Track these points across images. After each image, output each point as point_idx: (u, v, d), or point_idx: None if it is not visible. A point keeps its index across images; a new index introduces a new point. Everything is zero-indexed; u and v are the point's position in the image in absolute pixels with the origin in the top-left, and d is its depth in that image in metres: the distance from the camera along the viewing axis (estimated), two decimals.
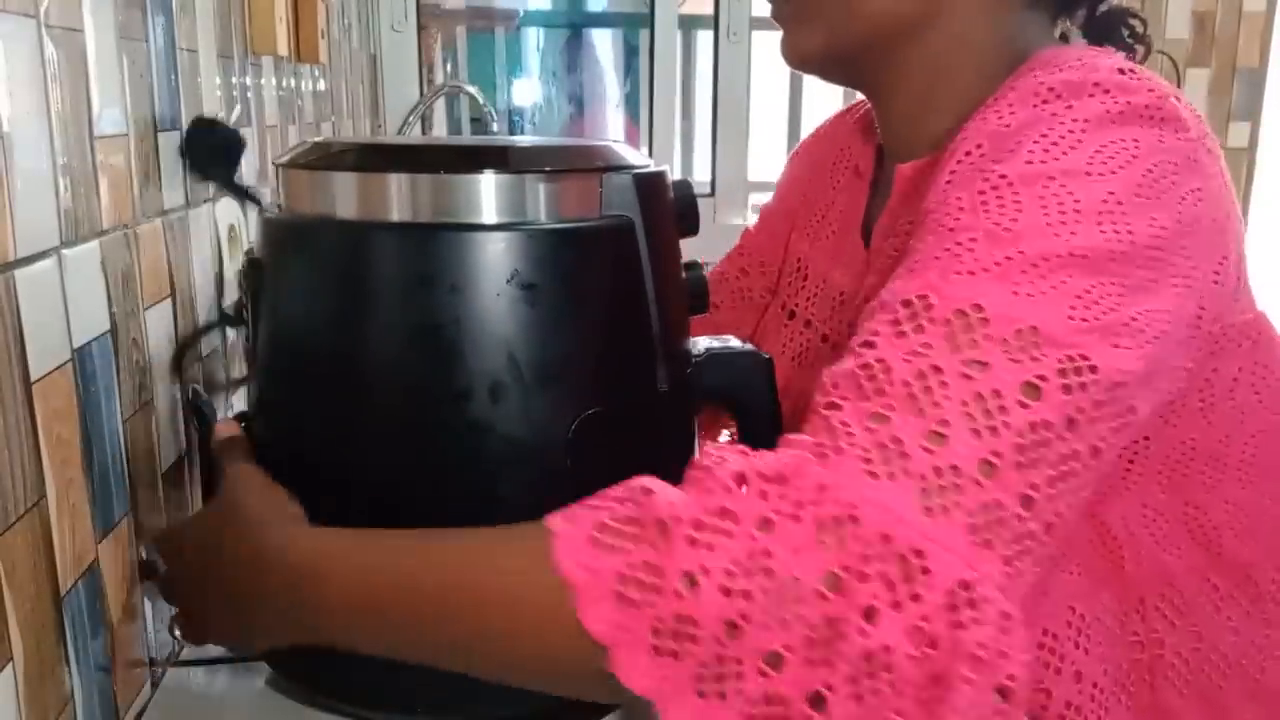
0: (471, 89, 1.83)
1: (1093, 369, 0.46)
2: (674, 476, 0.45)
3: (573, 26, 2.88)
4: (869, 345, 0.48)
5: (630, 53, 2.84)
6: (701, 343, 0.62)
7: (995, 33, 0.63)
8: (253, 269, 0.58)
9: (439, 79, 2.19)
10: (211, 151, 0.71)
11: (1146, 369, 0.49)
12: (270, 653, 0.60)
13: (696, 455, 0.46)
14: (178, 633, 0.59)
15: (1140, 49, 0.68)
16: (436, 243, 0.51)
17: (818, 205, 0.80)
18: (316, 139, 0.60)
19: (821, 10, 0.63)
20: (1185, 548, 0.61)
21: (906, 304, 0.48)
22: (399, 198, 0.52)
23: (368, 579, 0.49)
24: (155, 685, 0.65)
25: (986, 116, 0.56)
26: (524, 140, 0.56)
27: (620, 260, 0.55)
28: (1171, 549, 0.61)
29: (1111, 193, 0.50)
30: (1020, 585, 0.44)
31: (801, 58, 0.66)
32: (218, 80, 0.82)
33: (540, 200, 0.52)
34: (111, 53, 0.61)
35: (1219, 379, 0.60)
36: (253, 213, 0.89)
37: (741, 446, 0.46)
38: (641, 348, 0.56)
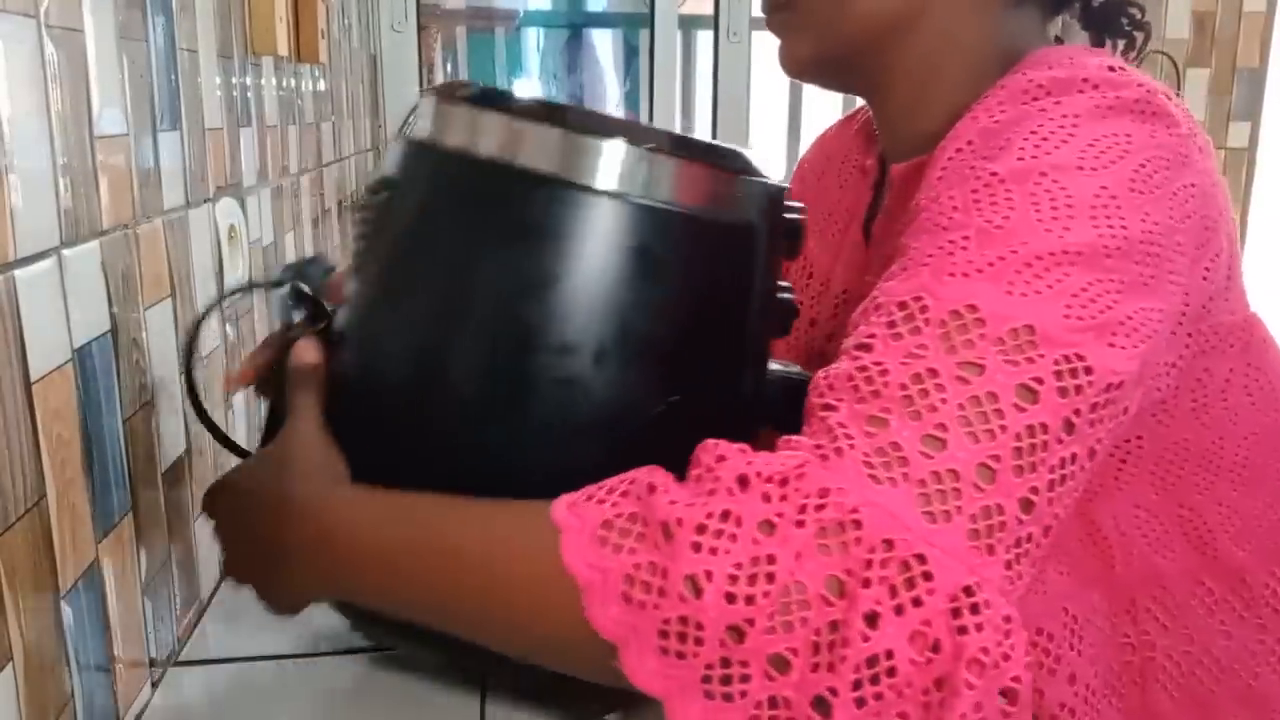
0: None
1: (1088, 370, 0.46)
2: None
3: (572, 26, 2.88)
4: (865, 348, 0.48)
5: (630, 53, 2.84)
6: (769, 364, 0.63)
7: (983, 31, 0.63)
8: (384, 187, 0.57)
9: (439, 79, 2.19)
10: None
11: (1140, 369, 0.48)
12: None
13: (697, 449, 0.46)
14: (221, 569, 0.59)
15: (1140, 35, 0.68)
16: (581, 202, 0.52)
17: (824, 205, 0.80)
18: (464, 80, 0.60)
19: (811, 17, 0.64)
20: (1179, 550, 0.61)
21: (901, 305, 0.48)
22: (557, 153, 0.53)
23: (384, 534, 0.50)
24: (155, 685, 0.65)
25: (977, 115, 0.55)
26: (677, 130, 0.56)
27: (740, 261, 0.56)
28: (1164, 551, 0.61)
29: (1104, 187, 0.50)
30: (1019, 587, 0.44)
31: (797, 65, 0.67)
32: (218, 80, 0.82)
33: (684, 185, 0.53)
34: (111, 53, 0.61)
35: (1211, 379, 0.60)
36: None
37: (741, 445, 0.46)
38: (735, 351, 0.58)
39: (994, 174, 0.51)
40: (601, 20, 3.03)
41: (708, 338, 0.56)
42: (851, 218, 0.76)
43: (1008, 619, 0.41)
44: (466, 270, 0.54)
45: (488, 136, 0.54)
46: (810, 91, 2.54)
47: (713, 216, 0.54)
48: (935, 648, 0.40)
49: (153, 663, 0.65)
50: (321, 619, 0.72)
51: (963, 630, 0.40)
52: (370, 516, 0.52)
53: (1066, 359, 0.46)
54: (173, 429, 0.70)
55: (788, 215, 0.59)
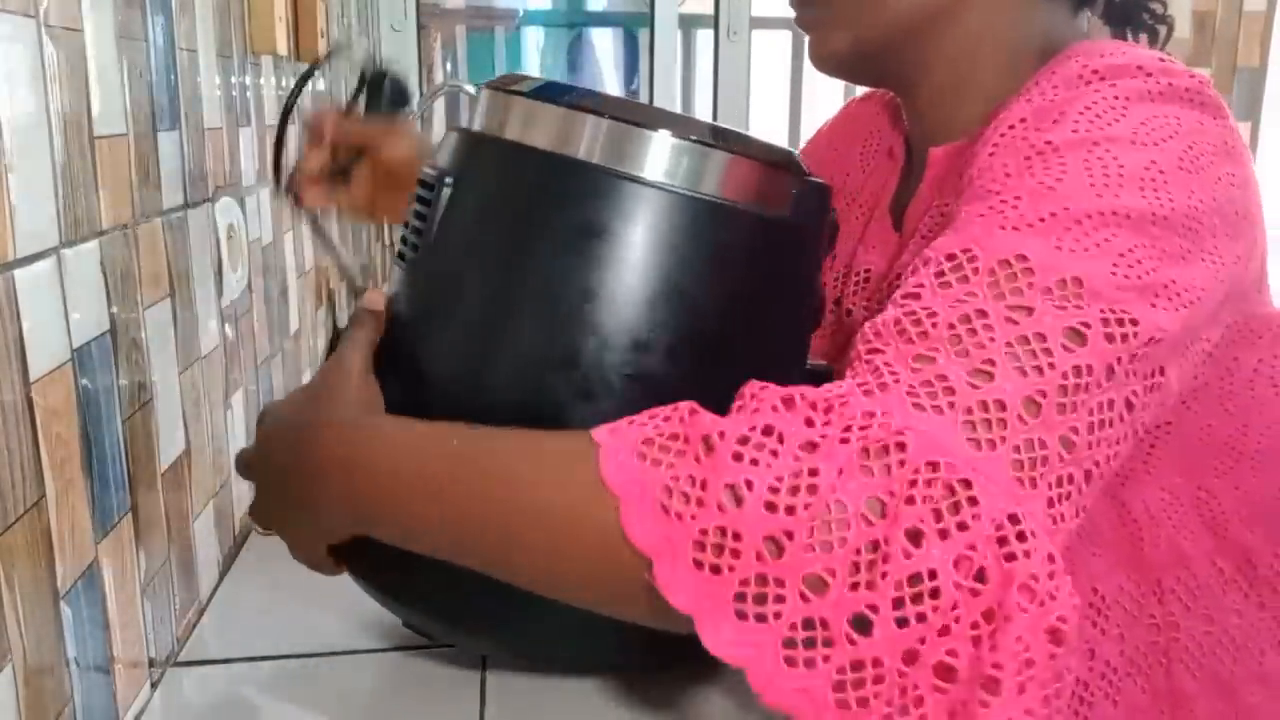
0: (471, 88, 1.83)
1: (1134, 322, 0.47)
2: None
3: (572, 26, 2.88)
4: (913, 296, 0.49)
5: (631, 52, 2.83)
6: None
7: (1018, 24, 0.64)
8: (444, 179, 0.57)
9: (439, 78, 2.19)
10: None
11: (1181, 332, 0.50)
12: (353, 560, 0.59)
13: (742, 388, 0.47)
14: (250, 517, 0.59)
15: (1162, 29, 0.69)
16: (648, 198, 0.52)
17: (847, 187, 0.80)
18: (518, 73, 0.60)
19: (844, 13, 0.65)
20: (1197, 532, 0.63)
21: (950, 257, 0.49)
22: (626, 149, 0.53)
23: (419, 456, 0.50)
24: (154, 685, 0.65)
25: (1030, 96, 0.56)
26: (739, 130, 0.58)
27: (798, 259, 0.58)
28: (1186, 533, 0.63)
29: (1154, 161, 0.51)
30: (1062, 531, 0.44)
31: (829, 61, 0.67)
32: (217, 80, 0.82)
33: (750, 186, 0.55)
34: (111, 52, 0.61)
35: (1240, 368, 0.62)
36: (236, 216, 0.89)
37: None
38: (792, 347, 0.59)
39: (1048, 142, 0.52)
40: (602, 19, 3.03)
41: (766, 332, 0.57)
42: (877, 201, 0.76)
43: (1052, 558, 0.40)
44: (534, 265, 0.54)
45: (549, 130, 0.54)
46: (810, 90, 2.54)
47: (781, 216, 0.56)
48: (981, 577, 0.39)
49: (152, 663, 0.65)
50: (321, 619, 0.72)
51: (1010, 557, 0.39)
52: (398, 437, 0.51)
53: (1112, 310, 0.47)
54: (172, 429, 0.70)
55: (831, 215, 0.60)
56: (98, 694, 0.57)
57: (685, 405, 0.45)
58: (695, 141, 0.53)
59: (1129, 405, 0.48)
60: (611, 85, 2.87)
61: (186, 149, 0.73)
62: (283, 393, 1.03)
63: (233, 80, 0.87)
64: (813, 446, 0.42)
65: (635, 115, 0.53)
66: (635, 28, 2.72)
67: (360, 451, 0.51)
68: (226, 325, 0.83)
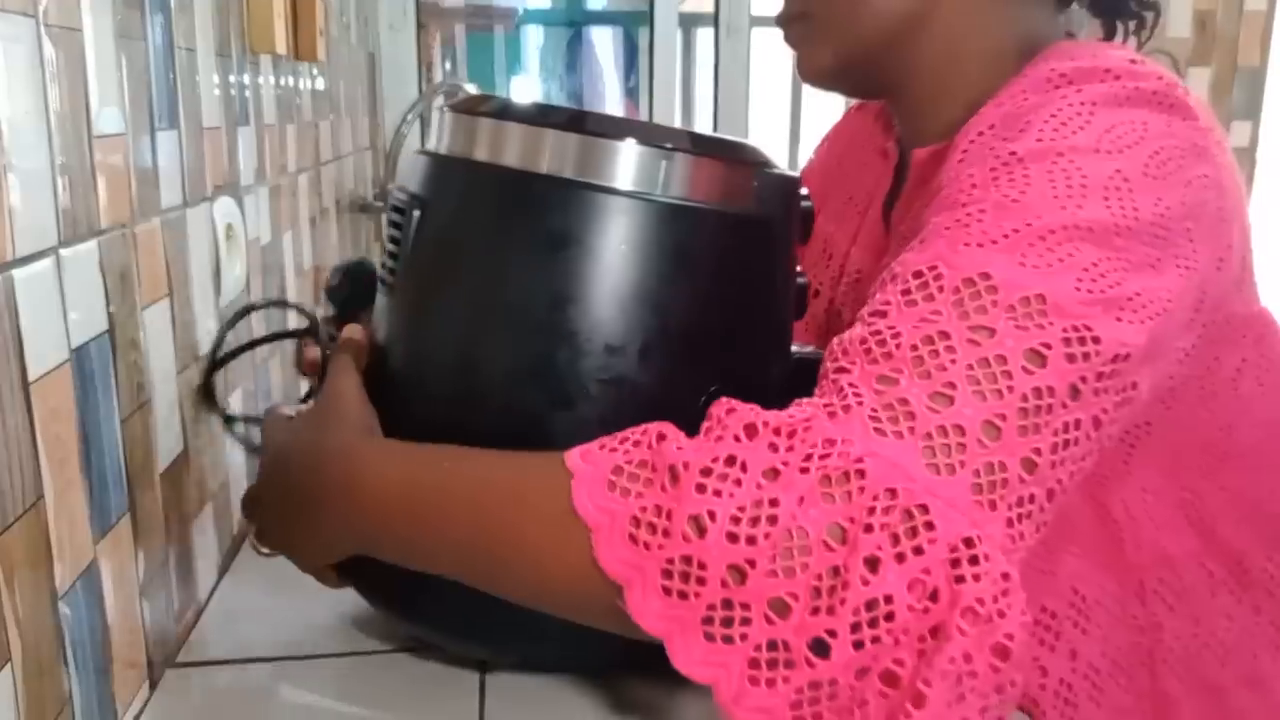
0: (470, 87, 1.83)
1: (1096, 340, 0.47)
2: None
3: (572, 24, 2.87)
4: (879, 314, 0.49)
5: (630, 51, 2.83)
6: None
7: (996, 24, 0.65)
8: (414, 203, 0.58)
9: (438, 77, 2.19)
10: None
11: (1148, 345, 0.49)
12: (356, 577, 0.61)
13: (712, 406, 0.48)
14: (254, 537, 0.61)
15: (1149, 15, 0.70)
16: (612, 206, 0.53)
17: (845, 187, 0.81)
18: (480, 92, 0.61)
19: (825, 29, 0.66)
20: (1182, 533, 0.63)
21: (917, 274, 0.50)
22: (589, 160, 0.54)
23: (408, 478, 0.52)
24: (153, 686, 0.65)
25: (1001, 101, 0.57)
26: (696, 130, 0.58)
27: (767, 251, 0.58)
28: (1170, 534, 0.62)
29: (1119, 170, 0.51)
30: (1020, 548, 0.45)
31: (819, 74, 0.69)
32: (215, 79, 0.82)
33: (710, 184, 0.55)
34: (110, 52, 0.60)
35: (1221, 368, 0.61)
36: (237, 215, 0.88)
37: (752, 405, 0.47)
38: (765, 338, 0.60)
39: (1012, 153, 0.52)
40: (601, 18, 3.03)
41: (740, 327, 0.58)
42: (871, 200, 0.77)
43: (1006, 576, 0.41)
44: (507, 280, 0.55)
45: (513, 147, 0.55)
46: (811, 88, 2.54)
47: (743, 212, 0.56)
48: (933, 596, 0.40)
49: (150, 663, 0.65)
50: (320, 620, 0.72)
51: (960, 579, 0.40)
52: (396, 462, 0.53)
53: (1075, 329, 0.47)
54: (171, 429, 0.69)
55: (803, 203, 0.60)
56: (96, 695, 0.56)
57: (655, 428, 0.47)
58: (654, 147, 0.54)
59: (1097, 423, 0.48)
60: (611, 84, 2.86)
61: (185, 148, 0.73)
62: (281, 393, 1.03)
63: (231, 79, 0.87)
64: (775, 474, 0.43)
65: (596, 126, 0.54)
66: (635, 26, 2.71)
67: (359, 477, 0.53)
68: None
